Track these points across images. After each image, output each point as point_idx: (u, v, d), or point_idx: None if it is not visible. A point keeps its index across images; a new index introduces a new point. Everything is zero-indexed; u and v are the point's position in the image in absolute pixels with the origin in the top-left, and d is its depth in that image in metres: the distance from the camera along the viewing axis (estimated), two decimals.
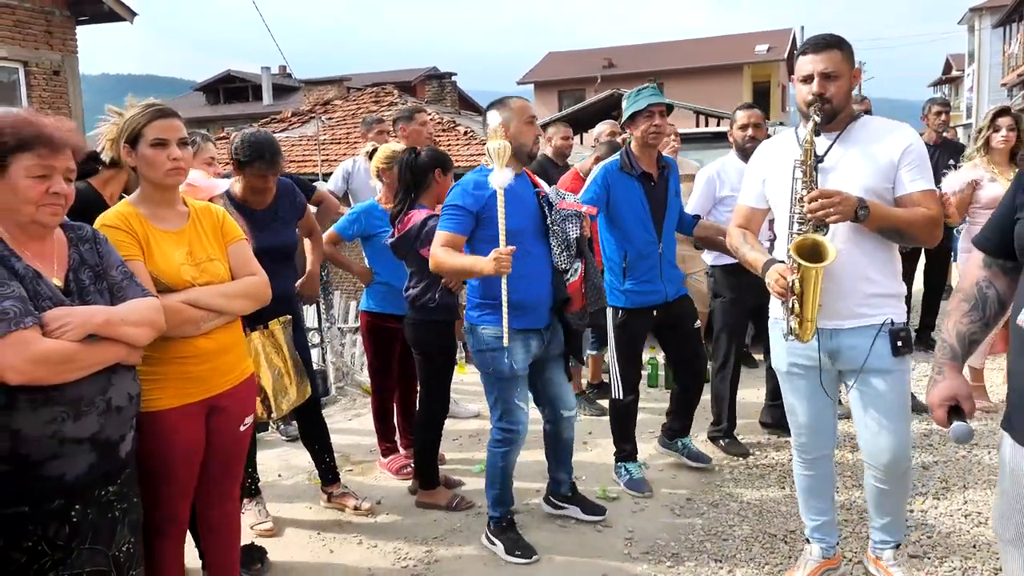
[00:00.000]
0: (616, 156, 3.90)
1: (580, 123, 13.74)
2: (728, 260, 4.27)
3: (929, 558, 3.22)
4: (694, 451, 4.27)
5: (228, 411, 2.55)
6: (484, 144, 6.98)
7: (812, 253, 2.52)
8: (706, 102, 19.20)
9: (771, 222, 2.99)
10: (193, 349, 2.42)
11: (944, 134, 6.44)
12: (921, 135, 3.00)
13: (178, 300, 2.34)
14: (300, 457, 4.28)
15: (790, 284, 2.56)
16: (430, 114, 5.53)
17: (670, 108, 3.91)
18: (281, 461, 4.57)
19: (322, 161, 16.68)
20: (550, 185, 3.71)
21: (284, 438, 4.90)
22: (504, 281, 3.02)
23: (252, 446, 2.50)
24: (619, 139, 5.61)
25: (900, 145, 2.62)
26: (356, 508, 3.81)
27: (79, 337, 1.91)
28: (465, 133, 17.33)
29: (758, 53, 33.26)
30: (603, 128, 6.12)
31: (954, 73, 41.78)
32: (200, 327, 2.41)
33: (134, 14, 13.52)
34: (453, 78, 23.95)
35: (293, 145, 18.35)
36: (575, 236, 3.27)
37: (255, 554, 3.26)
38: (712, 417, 4.58)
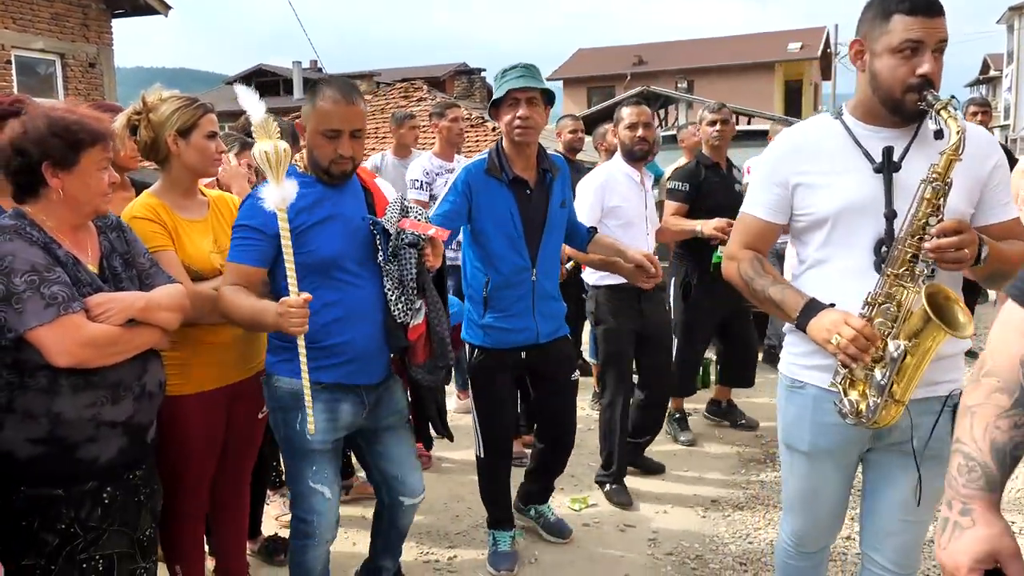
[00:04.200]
0: (483, 154, 3.04)
1: (609, 120, 13.66)
2: (614, 280, 3.70)
3: None
4: (552, 521, 3.50)
5: (248, 399, 2.61)
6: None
7: (935, 310, 1.76)
8: (738, 100, 19.02)
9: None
10: (217, 337, 2.48)
11: None
12: None
13: (210, 287, 2.41)
14: None
15: (895, 349, 1.78)
16: (463, 109, 5.49)
17: (550, 96, 2.97)
18: None
19: None
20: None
21: None
22: (301, 341, 2.23)
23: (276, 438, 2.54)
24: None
25: (990, 158, 1.95)
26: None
27: (122, 321, 1.97)
28: (494, 129, 17.30)
29: (791, 51, 32.88)
30: (607, 128, 5.58)
31: (992, 73, 41.02)
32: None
33: (168, 7, 13.68)
34: (482, 74, 23.95)
35: None
36: (413, 271, 2.39)
37: (279, 545, 3.29)
38: (601, 459, 3.97)
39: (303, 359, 2.22)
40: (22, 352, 1.86)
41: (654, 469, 4.19)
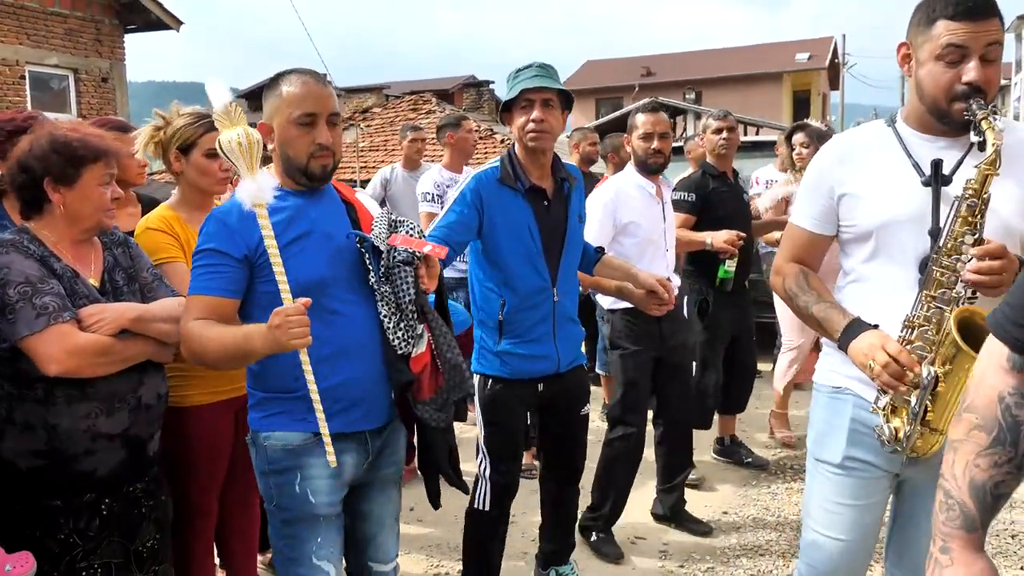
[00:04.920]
0: (495, 161, 2.76)
1: (618, 132, 13.69)
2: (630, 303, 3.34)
3: None
4: None
5: None
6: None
7: (970, 335, 1.65)
8: (746, 111, 19.06)
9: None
10: None
11: None
12: None
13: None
14: None
15: (926, 376, 1.68)
16: (472, 122, 5.47)
17: (568, 99, 2.70)
18: None
19: (360, 168, 16.86)
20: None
21: None
22: (305, 358, 1.88)
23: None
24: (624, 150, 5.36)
25: None
26: None
27: (113, 331, 1.99)
28: (502, 141, 17.36)
29: (799, 61, 32.87)
30: (620, 138, 5.37)
31: (1001, 82, 40.90)
32: None
33: (180, 23, 13.82)
34: (491, 86, 24.05)
35: None
36: (411, 292, 2.05)
37: None
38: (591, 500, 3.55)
39: (309, 375, 1.88)
40: (20, 363, 1.91)
41: (703, 531, 3.66)
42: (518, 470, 2.84)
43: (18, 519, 1.94)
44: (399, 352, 2.05)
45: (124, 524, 2.06)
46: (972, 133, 1.74)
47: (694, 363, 4.07)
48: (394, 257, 2.05)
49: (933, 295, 1.72)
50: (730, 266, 3.96)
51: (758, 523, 3.73)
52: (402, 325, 2.05)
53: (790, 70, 32.63)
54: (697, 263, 4.19)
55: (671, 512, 3.75)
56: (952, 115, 1.75)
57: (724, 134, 4.18)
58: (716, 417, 4.51)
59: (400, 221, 2.14)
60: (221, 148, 1.87)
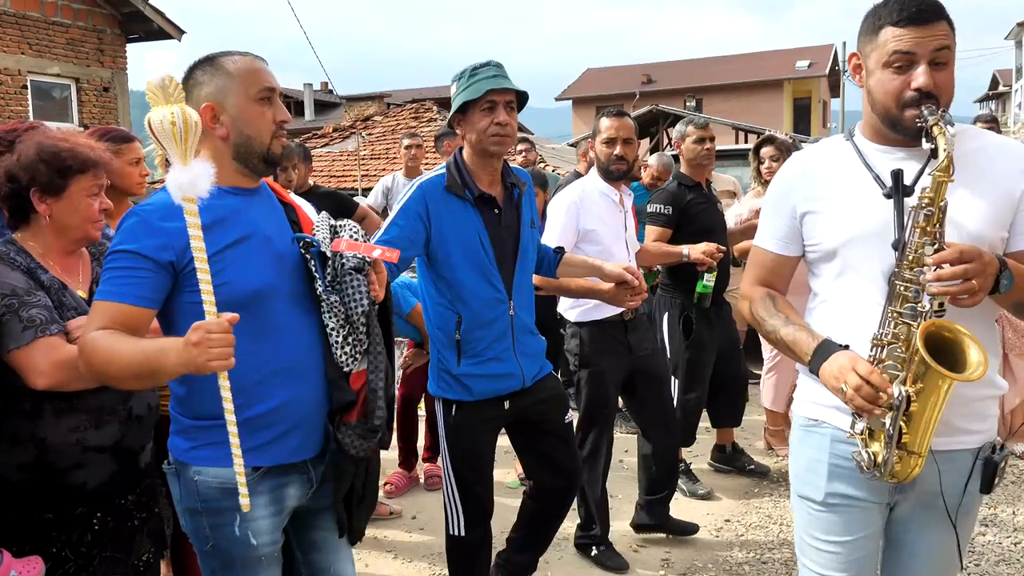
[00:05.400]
0: (440, 169, 2.57)
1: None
2: (600, 313, 3.31)
3: None
4: None
5: None
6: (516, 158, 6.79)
7: (941, 349, 1.60)
8: (746, 118, 19.09)
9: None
10: None
11: None
12: None
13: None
14: None
15: (897, 396, 1.60)
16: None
17: (523, 99, 2.55)
18: None
19: (362, 176, 16.88)
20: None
21: None
22: (225, 383, 1.63)
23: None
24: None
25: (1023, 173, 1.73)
26: (391, 514, 3.90)
27: None
28: None
29: (799, 69, 32.94)
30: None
31: (1001, 88, 40.96)
32: None
33: (182, 32, 13.87)
34: None
35: (334, 160, 18.59)
36: (364, 303, 1.82)
37: None
38: (580, 519, 3.49)
39: (228, 403, 1.63)
40: (7, 377, 1.88)
41: (687, 530, 3.66)
42: (489, 492, 2.67)
43: (10, 533, 1.91)
44: (345, 370, 1.85)
45: (118, 537, 2.03)
46: (924, 140, 1.67)
47: (675, 380, 3.90)
48: (343, 264, 1.83)
49: (899, 311, 1.64)
50: (709, 280, 3.78)
51: (761, 531, 3.72)
52: (350, 340, 1.85)
53: (791, 78, 32.71)
54: (676, 277, 4.01)
55: (656, 522, 3.64)
56: (904, 123, 1.69)
57: (707, 144, 3.98)
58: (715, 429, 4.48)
59: (341, 225, 1.94)
60: (151, 128, 1.60)
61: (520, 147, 4.94)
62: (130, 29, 13.44)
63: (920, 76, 1.65)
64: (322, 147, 19.43)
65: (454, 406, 2.57)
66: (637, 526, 3.66)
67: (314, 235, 1.89)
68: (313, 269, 1.84)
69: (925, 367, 1.57)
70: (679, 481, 3.94)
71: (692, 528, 3.65)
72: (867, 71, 1.75)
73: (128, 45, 13.58)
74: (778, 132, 7.37)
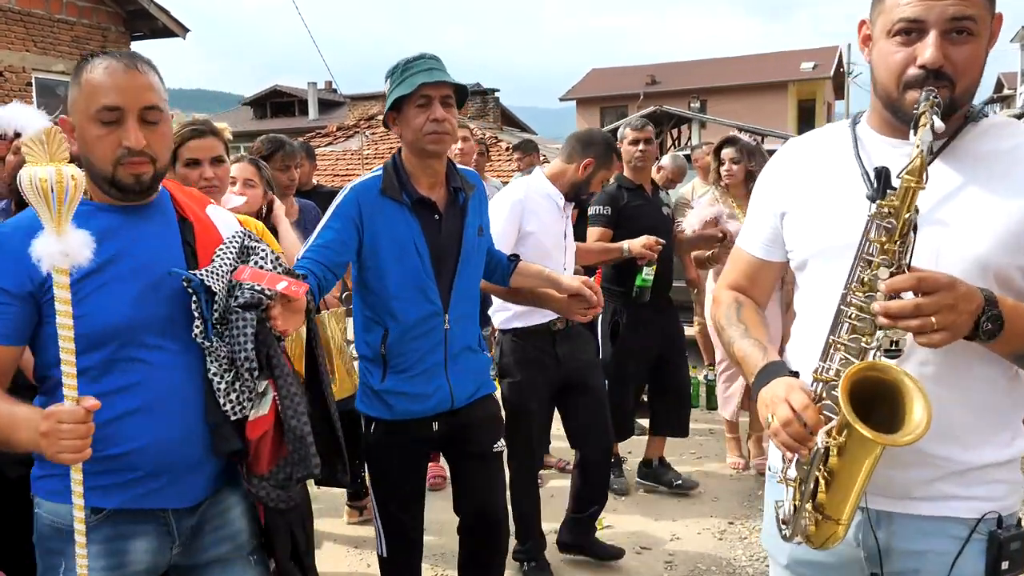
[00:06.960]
0: (377, 170, 2.40)
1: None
2: (521, 321, 3.17)
3: None
4: None
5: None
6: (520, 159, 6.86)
7: (878, 400, 1.27)
8: (751, 120, 19.08)
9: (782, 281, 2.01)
10: None
11: None
12: None
13: None
14: None
15: (819, 443, 1.29)
16: (472, 129, 5.27)
17: (462, 95, 2.38)
18: None
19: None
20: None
21: None
22: (77, 476, 1.48)
23: None
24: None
25: None
26: None
27: None
28: (507, 149, 17.40)
29: (803, 71, 32.91)
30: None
31: (1006, 92, 40.89)
32: None
33: (186, 30, 13.88)
34: (496, 94, 24.08)
35: (337, 159, 18.63)
36: (248, 347, 1.60)
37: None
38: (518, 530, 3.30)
39: (77, 485, 1.45)
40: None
41: (611, 555, 3.43)
42: (412, 518, 2.50)
43: (11, 528, 1.91)
44: (232, 417, 1.62)
45: None
46: (911, 132, 1.27)
47: (604, 381, 3.60)
48: (236, 298, 1.59)
49: (844, 342, 1.31)
50: (648, 274, 3.74)
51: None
52: (237, 385, 1.61)
53: (795, 79, 32.67)
54: (616, 281, 3.97)
55: (578, 542, 3.45)
56: (904, 108, 1.33)
57: (641, 146, 3.95)
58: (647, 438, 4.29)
59: (252, 248, 1.70)
60: (22, 187, 1.39)
61: (458, 146, 4.34)
62: (135, 27, 13.44)
63: (927, 48, 1.28)
64: (326, 146, 19.47)
65: (374, 424, 2.40)
66: (560, 544, 3.48)
67: (214, 261, 1.64)
68: (194, 309, 1.58)
69: (847, 423, 1.25)
70: (668, 476, 4.12)
71: (617, 552, 3.43)
72: (873, 42, 1.41)
73: (133, 43, 13.57)
74: (743, 135, 7.17)
